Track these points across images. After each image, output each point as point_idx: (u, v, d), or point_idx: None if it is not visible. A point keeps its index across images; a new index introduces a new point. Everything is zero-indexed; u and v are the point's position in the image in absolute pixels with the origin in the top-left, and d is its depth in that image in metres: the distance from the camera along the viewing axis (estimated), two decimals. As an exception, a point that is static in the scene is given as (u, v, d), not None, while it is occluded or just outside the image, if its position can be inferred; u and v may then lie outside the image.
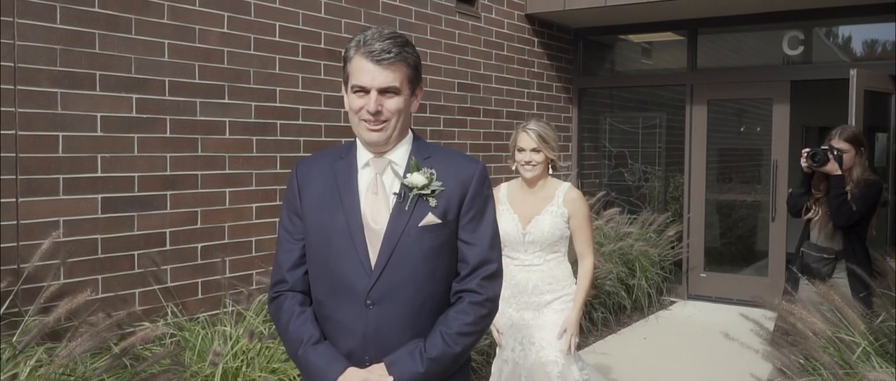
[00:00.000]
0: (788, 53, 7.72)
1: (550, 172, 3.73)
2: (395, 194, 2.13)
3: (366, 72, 2.04)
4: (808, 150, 4.38)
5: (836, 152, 4.31)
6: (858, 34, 7.76)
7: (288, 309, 2.17)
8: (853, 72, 6.36)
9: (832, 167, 4.28)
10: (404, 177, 2.13)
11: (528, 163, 3.64)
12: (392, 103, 2.07)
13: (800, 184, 4.49)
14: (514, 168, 3.77)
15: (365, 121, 2.08)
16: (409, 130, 2.20)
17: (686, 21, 7.87)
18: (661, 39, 8.64)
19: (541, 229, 3.60)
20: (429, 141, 2.31)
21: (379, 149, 2.14)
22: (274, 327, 3.02)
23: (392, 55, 2.04)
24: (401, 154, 2.17)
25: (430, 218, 2.10)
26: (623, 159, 8.71)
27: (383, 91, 2.06)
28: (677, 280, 8.08)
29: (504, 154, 7.28)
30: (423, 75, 2.21)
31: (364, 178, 2.15)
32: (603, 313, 6.72)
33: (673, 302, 7.90)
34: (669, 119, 8.57)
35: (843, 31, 7.85)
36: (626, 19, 7.98)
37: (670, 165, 8.54)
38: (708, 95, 8.00)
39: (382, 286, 2.08)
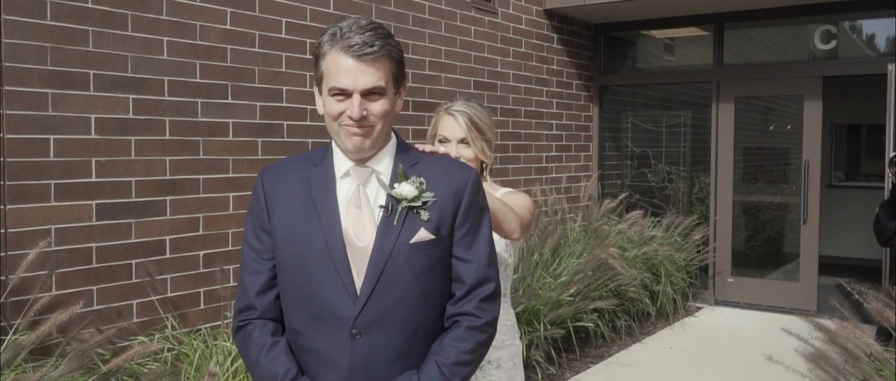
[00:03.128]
0: (819, 48, 7.38)
1: (488, 177, 2.63)
2: (381, 206, 1.85)
3: (346, 71, 1.77)
4: (894, 154, 3.45)
5: None
6: (893, 28, 7.41)
7: (258, 341, 1.87)
8: (891, 66, 6.03)
9: None
10: (392, 187, 1.85)
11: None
12: (378, 106, 1.81)
13: (889, 203, 3.47)
14: None
15: (347, 126, 1.81)
16: (393, 133, 1.94)
17: (712, 15, 7.56)
18: (685, 35, 8.32)
19: None
20: (410, 142, 2.02)
21: (361, 156, 1.87)
22: None
23: (375, 49, 1.78)
24: (386, 161, 1.90)
25: (423, 234, 1.84)
26: (646, 160, 8.40)
27: (367, 93, 1.79)
28: (703, 286, 7.77)
29: (523, 155, 7.01)
30: (408, 70, 1.96)
31: (343, 189, 1.87)
32: (626, 321, 6.43)
33: (699, 308, 7.59)
34: (694, 118, 8.25)
35: (877, 24, 7.50)
36: (649, 14, 7.67)
37: (695, 166, 8.22)
38: (735, 93, 7.68)
39: (370, 313, 1.81)
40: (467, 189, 1.90)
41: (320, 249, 1.81)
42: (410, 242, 1.83)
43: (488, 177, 2.63)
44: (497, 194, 2.58)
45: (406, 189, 1.85)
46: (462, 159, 2.48)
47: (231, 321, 1.91)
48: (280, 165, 1.98)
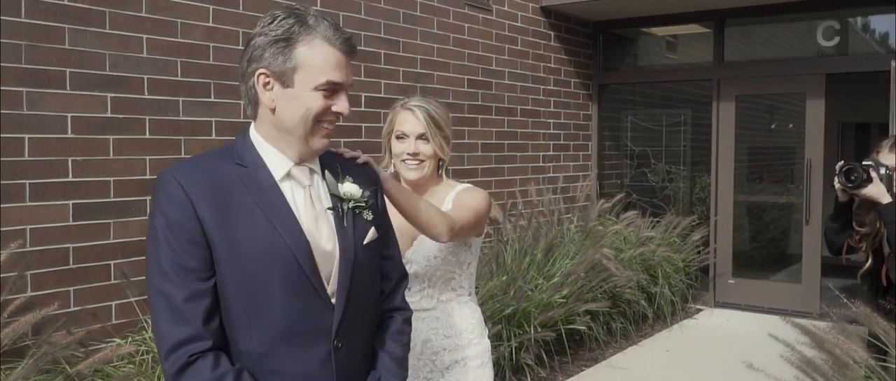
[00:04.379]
0: (823, 45, 7.25)
1: (443, 175, 2.55)
2: (329, 209, 1.78)
3: (340, 66, 1.70)
4: (842, 163, 3.21)
5: (883, 170, 3.17)
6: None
7: (218, 376, 1.61)
8: (894, 63, 5.90)
9: (877, 191, 3.14)
10: (338, 187, 1.81)
11: (413, 156, 2.43)
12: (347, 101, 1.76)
13: (834, 215, 3.35)
14: (385, 164, 2.53)
15: (327, 125, 1.73)
16: None
17: (712, 12, 7.43)
18: (685, 32, 8.20)
19: (426, 254, 2.42)
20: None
21: (312, 157, 1.79)
22: None
23: (354, 48, 1.76)
24: (316, 162, 1.82)
25: (372, 233, 1.82)
26: (646, 159, 8.29)
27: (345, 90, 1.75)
28: (703, 287, 7.65)
29: (519, 154, 6.92)
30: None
31: (288, 192, 1.74)
32: (622, 323, 6.33)
33: (699, 310, 7.48)
34: (695, 116, 8.13)
35: (882, 21, 7.36)
36: (649, 11, 7.56)
37: (696, 165, 8.10)
38: (736, 91, 7.56)
39: (348, 321, 1.74)
40: (378, 185, 1.96)
41: (287, 257, 1.66)
42: (364, 242, 1.80)
43: (444, 175, 2.56)
44: (453, 191, 2.51)
45: (351, 189, 1.80)
46: (421, 155, 2.45)
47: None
48: (192, 165, 1.73)
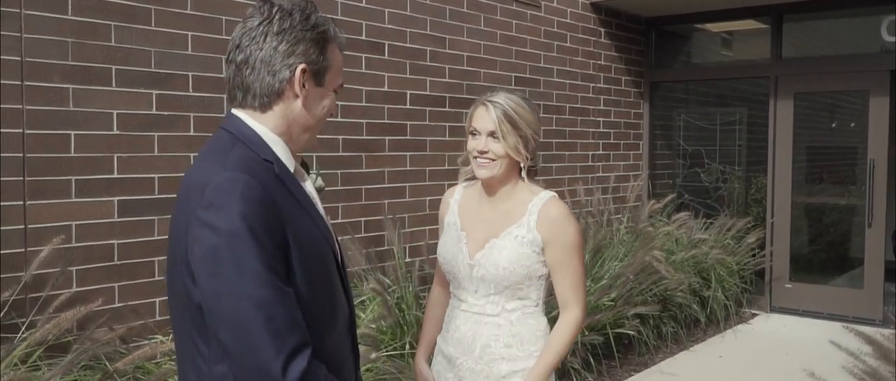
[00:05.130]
0: (887, 40, 6.95)
1: (525, 178, 2.43)
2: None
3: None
4: None
5: None
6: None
7: (328, 378, 1.56)
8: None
9: None
10: (315, 181, 1.81)
11: (482, 154, 2.34)
12: None
13: None
14: (462, 160, 2.51)
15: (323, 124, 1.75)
16: None
17: (769, 7, 7.19)
18: (741, 28, 7.96)
19: (495, 262, 2.32)
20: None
21: (299, 153, 1.77)
22: None
23: None
24: None
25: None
26: (699, 159, 8.07)
27: None
28: (759, 291, 7.41)
29: (567, 153, 6.79)
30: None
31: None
32: (673, 327, 6.15)
33: (754, 315, 7.25)
34: (751, 115, 7.89)
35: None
36: (703, 7, 7.35)
37: (751, 165, 7.86)
38: (794, 88, 7.30)
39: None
40: None
41: (330, 252, 1.68)
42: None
43: (525, 177, 2.43)
44: (535, 199, 2.39)
45: (317, 184, 1.82)
46: (490, 154, 2.33)
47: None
48: (244, 163, 1.57)
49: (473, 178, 2.48)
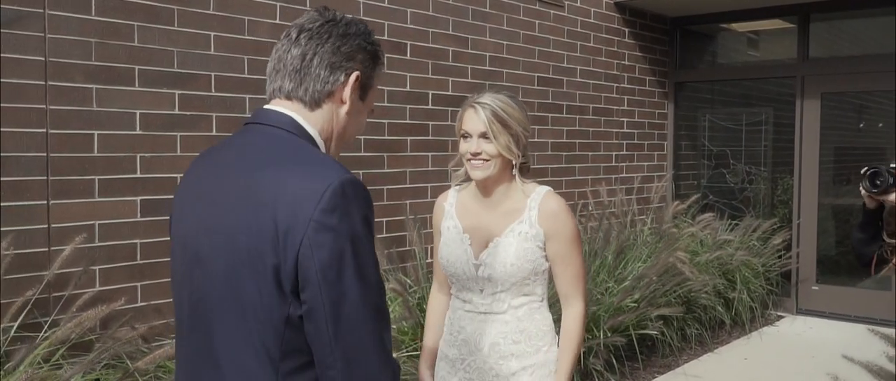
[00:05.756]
0: (917, 40, 6.83)
1: (517, 175, 2.41)
2: None
3: None
4: (867, 168, 2.86)
5: None
6: None
7: None
8: None
9: None
10: None
11: (475, 155, 2.34)
12: None
13: (862, 224, 3.00)
14: (455, 163, 2.51)
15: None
16: None
17: (796, 6, 7.09)
18: (767, 28, 7.86)
19: (502, 260, 2.34)
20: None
21: None
22: None
23: None
24: None
25: None
26: (724, 159, 7.98)
27: None
28: (785, 293, 7.30)
29: (590, 154, 6.74)
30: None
31: None
32: (697, 329, 6.08)
33: (780, 317, 7.15)
34: (777, 115, 7.79)
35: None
36: (729, 6, 7.27)
37: (777, 166, 7.75)
38: (821, 88, 7.19)
39: None
40: None
41: None
42: None
43: (518, 176, 2.40)
44: (534, 194, 2.38)
45: None
46: (484, 154, 2.32)
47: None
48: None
49: (466, 180, 2.49)
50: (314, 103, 1.59)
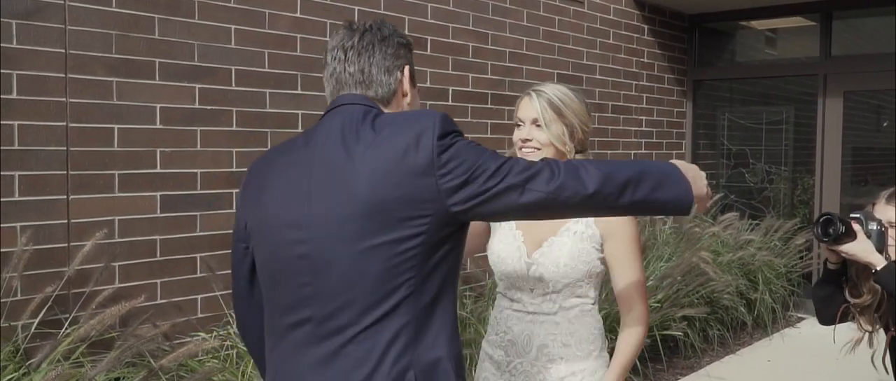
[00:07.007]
0: (942, 37, 6.72)
1: None
2: None
3: None
4: (820, 215, 2.58)
5: (874, 225, 2.52)
6: None
7: None
8: None
9: (861, 249, 2.47)
10: None
11: (526, 142, 2.28)
12: None
13: (822, 281, 2.73)
14: (510, 154, 2.41)
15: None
16: None
17: (818, 3, 6.99)
18: (788, 25, 7.76)
19: (555, 259, 2.23)
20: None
21: None
22: None
23: None
24: None
25: None
26: (744, 159, 7.88)
27: None
28: (806, 294, 7.20)
29: (609, 152, 6.65)
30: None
31: None
32: (719, 330, 5.99)
33: (801, 319, 7.04)
34: (798, 114, 7.68)
35: None
36: (749, 3, 7.16)
37: (798, 166, 7.65)
38: (844, 87, 7.08)
39: None
40: None
41: None
42: None
43: None
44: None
45: None
46: (534, 142, 2.25)
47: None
48: None
49: None
50: (385, 103, 1.76)
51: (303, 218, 1.61)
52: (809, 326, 6.85)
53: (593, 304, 2.32)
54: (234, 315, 3.94)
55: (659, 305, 5.14)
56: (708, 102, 7.99)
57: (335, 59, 1.73)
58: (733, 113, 8.07)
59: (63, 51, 3.49)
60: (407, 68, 1.77)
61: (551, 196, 1.56)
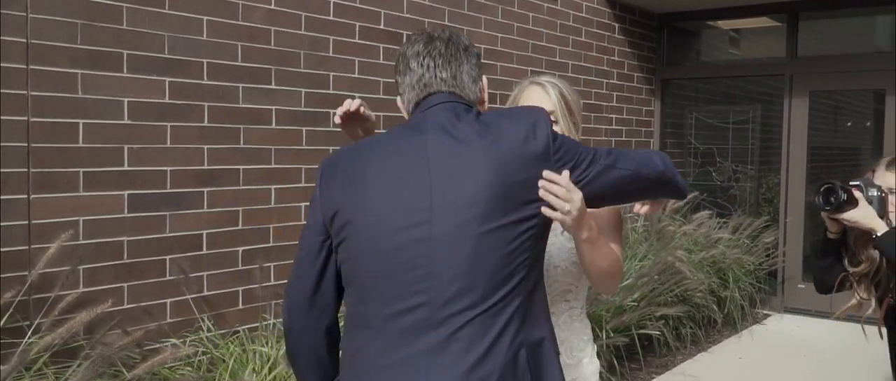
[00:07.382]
0: (906, 39, 6.82)
1: None
2: None
3: None
4: (821, 183, 2.58)
5: (874, 192, 2.52)
6: None
7: None
8: None
9: (863, 215, 2.48)
10: None
11: None
12: None
13: (823, 252, 2.75)
14: None
15: None
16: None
17: (785, 3, 7.04)
18: (755, 26, 7.81)
19: (546, 263, 2.03)
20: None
21: None
22: None
23: None
24: None
25: None
26: (711, 157, 7.92)
27: None
28: (772, 291, 7.26)
29: (580, 150, 6.59)
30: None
31: None
32: (692, 328, 5.98)
33: (767, 315, 7.10)
34: (764, 113, 7.74)
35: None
36: (717, 3, 7.18)
37: (764, 164, 7.71)
38: (810, 87, 7.15)
39: None
40: None
41: None
42: None
43: None
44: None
45: None
46: None
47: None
48: None
49: None
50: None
51: (421, 201, 1.63)
52: (776, 322, 6.91)
53: (582, 309, 2.26)
54: (205, 320, 3.78)
55: (636, 304, 5.09)
56: (676, 101, 8.01)
57: (422, 65, 1.78)
58: (701, 112, 8.11)
59: (24, 40, 3.28)
60: (484, 79, 1.88)
61: (635, 172, 1.77)
